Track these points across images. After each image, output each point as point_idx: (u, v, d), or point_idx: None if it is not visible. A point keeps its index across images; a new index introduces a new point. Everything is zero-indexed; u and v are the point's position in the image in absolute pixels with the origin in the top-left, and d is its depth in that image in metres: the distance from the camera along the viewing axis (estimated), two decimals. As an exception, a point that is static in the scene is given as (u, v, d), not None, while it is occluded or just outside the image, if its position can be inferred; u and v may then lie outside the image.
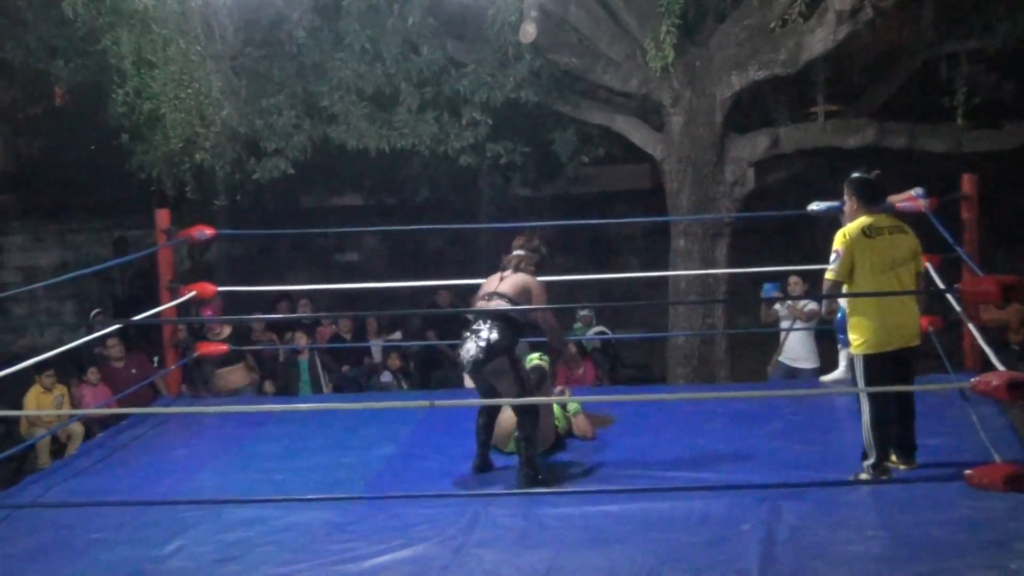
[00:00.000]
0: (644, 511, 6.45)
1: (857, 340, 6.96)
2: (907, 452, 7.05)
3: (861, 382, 6.98)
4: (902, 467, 7.01)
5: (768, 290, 12.07)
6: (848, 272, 6.92)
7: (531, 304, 7.28)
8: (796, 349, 12.13)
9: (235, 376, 12.29)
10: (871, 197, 7.12)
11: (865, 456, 6.93)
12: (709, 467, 7.33)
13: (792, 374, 12.08)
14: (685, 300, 12.84)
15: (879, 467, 6.90)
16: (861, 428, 6.96)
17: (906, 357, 7.01)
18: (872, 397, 6.88)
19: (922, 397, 7.26)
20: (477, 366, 7.13)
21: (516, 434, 7.23)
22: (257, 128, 12.83)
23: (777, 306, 12.38)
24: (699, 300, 12.69)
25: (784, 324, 12.26)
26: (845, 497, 6.57)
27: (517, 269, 7.41)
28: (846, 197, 7.28)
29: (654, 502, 6.59)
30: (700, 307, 12.75)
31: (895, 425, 7.02)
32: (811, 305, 11.65)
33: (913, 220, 8.88)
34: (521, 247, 7.53)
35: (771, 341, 12.72)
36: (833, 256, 6.96)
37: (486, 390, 7.35)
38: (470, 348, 7.10)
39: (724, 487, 6.83)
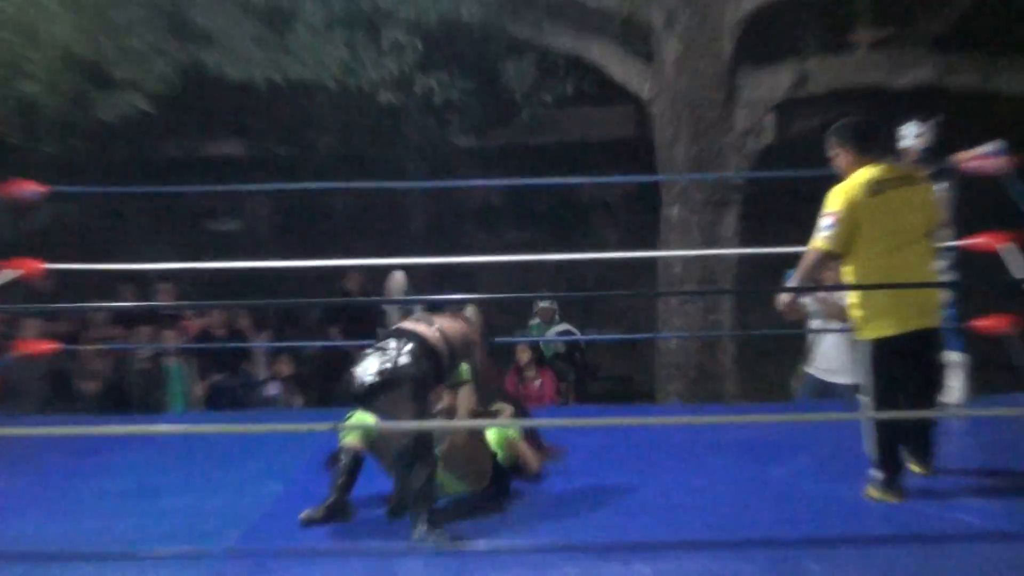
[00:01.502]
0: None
1: (863, 321, 7.19)
2: (923, 455, 7.26)
3: (870, 376, 7.21)
4: (916, 470, 7.18)
5: (791, 277, 12.11)
6: (846, 243, 7.03)
7: (468, 344, 7.43)
8: (830, 357, 12.13)
9: None
10: (869, 142, 7.35)
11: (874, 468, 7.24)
12: (706, 518, 7.31)
13: (825, 390, 12.11)
14: (680, 291, 12.87)
15: (891, 486, 7.16)
16: (863, 435, 7.26)
17: (924, 340, 7.18)
18: (880, 394, 7.15)
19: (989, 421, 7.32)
20: (367, 395, 7.10)
21: (402, 492, 7.16)
22: (104, 50, 12.72)
23: (804, 299, 12.42)
24: (699, 291, 12.75)
25: (814, 324, 12.29)
26: (884, 552, 6.56)
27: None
28: (834, 152, 7.47)
29: (627, 564, 6.53)
30: (700, 300, 12.77)
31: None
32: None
33: (986, 185, 8.94)
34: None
35: (796, 346, 12.75)
36: (828, 220, 7.07)
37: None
38: (367, 367, 7.09)
39: (726, 544, 6.81)
